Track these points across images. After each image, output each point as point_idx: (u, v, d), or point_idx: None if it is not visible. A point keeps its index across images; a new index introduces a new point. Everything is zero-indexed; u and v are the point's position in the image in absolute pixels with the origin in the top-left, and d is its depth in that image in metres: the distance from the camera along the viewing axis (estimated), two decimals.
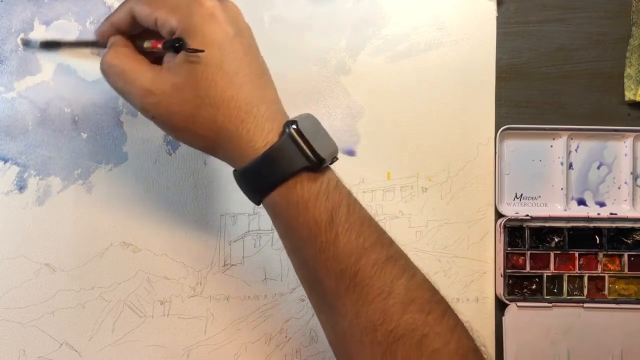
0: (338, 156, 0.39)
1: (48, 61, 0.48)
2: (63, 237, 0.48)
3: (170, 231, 0.49)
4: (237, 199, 0.49)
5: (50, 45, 0.48)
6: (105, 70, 0.39)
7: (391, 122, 0.50)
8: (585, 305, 0.50)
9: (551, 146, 0.51)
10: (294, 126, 0.37)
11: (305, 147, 0.36)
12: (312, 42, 0.50)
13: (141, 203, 0.49)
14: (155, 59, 0.40)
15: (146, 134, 0.49)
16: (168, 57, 0.38)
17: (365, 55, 0.51)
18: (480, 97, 0.51)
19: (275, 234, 0.49)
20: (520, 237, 0.51)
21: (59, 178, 0.48)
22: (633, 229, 0.51)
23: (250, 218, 0.49)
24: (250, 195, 0.39)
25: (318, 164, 0.37)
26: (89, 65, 0.48)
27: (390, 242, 0.39)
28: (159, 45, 0.38)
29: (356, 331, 0.37)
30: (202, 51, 0.36)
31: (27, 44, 0.48)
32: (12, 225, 0.48)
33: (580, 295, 0.51)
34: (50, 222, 0.48)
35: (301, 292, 0.49)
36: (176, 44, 0.36)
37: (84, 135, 0.49)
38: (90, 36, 0.47)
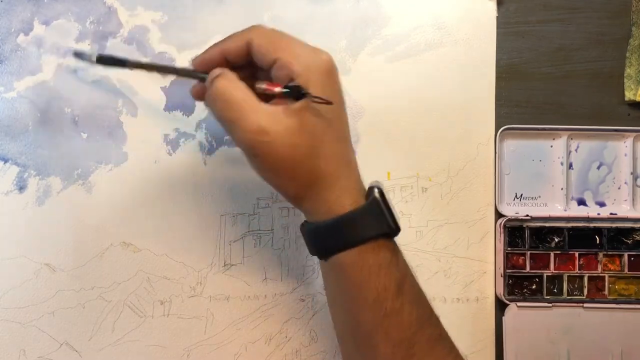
0: None
1: (48, 61, 0.48)
2: (63, 237, 0.48)
3: (170, 231, 0.49)
4: (237, 199, 0.49)
5: (117, 63, 0.42)
6: (217, 97, 0.37)
7: (391, 122, 0.50)
8: (585, 305, 0.50)
9: (551, 146, 0.51)
10: (381, 191, 0.38)
11: (387, 215, 0.37)
12: (312, 42, 0.50)
13: (141, 203, 0.49)
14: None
15: (146, 134, 0.49)
16: (283, 100, 0.37)
17: (365, 55, 0.51)
18: (480, 97, 0.51)
19: (276, 234, 0.49)
20: (520, 237, 0.51)
21: (59, 178, 0.48)
22: (633, 229, 0.51)
23: (250, 218, 0.49)
24: (319, 250, 0.39)
25: (395, 232, 0.38)
26: (91, 67, 0.48)
27: (439, 319, 0.39)
28: (277, 89, 0.37)
29: None
30: (331, 103, 0.36)
31: (79, 56, 0.43)
32: (12, 225, 0.48)
33: (580, 295, 0.51)
34: (50, 222, 0.48)
35: (301, 292, 0.49)
36: (301, 92, 0.36)
37: (84, 135, 0.49)
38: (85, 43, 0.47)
